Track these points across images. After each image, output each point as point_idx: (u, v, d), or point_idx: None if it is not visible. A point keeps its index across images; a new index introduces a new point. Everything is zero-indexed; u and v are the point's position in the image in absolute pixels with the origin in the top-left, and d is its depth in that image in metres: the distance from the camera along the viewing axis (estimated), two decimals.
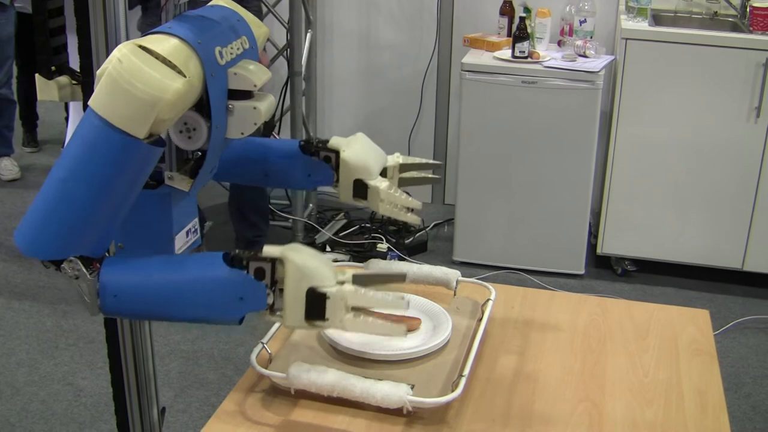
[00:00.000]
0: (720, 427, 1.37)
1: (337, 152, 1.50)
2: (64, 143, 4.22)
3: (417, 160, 1.61)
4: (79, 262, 1.18)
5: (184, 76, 1.14)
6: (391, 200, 1.51)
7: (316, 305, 1.17)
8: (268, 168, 1.54)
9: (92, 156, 1.15)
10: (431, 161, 1.63)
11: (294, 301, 1.17)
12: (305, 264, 1.17)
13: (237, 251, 1.18)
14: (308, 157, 1.52)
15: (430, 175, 1.64)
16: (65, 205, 1.16)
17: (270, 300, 1.18)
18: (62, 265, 1.18)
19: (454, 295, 1.69)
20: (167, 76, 1.12)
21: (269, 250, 1.18)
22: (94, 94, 1.13)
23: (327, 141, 1.52)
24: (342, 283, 1.18)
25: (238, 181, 1.59)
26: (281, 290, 1.18)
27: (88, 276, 1.18)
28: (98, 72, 1.13)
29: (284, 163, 1.54)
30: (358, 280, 1.18)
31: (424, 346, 1.47)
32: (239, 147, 1.52)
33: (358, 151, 1.51)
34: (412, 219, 1.54)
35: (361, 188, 1.51)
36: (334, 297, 1.16)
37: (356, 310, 1.18)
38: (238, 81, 1.26)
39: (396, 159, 1.59)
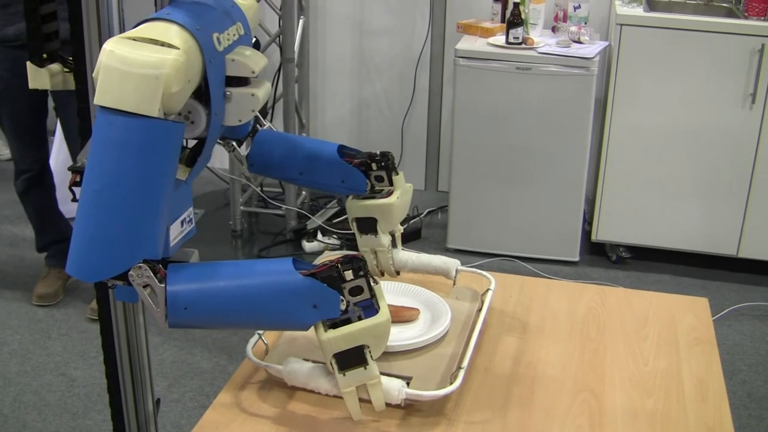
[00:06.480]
0: (720, 415, 1.36)
1: (390, 176, 1.54)
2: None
3: (398, 242, 1.67)
4: (148, 269, 1.14)
5: (177, 48, 1.12)
6: (379, 258, 1.61)
7: (351, 358, 1.22)
8: (304, 167, 1.54)
9: (114, 152, 1.12)
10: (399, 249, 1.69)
11: (349, 338, 1.21)
12: (386, 330, 1.22)
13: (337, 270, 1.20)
14: (344, 163, 1.53)
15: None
16: (108, 213, 1.12)
17: (342, 307, 1.20)
18: (129, 273, 1.14)
19: (454, 284, 1.68)
20: (160, 52, 1.11)
21: (380, 289, 1.23)
22: (96, 93, 1.11)
23: (394, 166, 1.55)
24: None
25: (272, 176, 1.58)
26: (348, 310, 1.21)
27: (159, 284, 1.15)
28: (93, 74, 1.12)
29: (320, 164, 1.54)
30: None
31: (423, 338, 1.46)
32: (279, 143, 1.53)
33: (403, 204, 1.57)
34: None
35: (367, 224, 1.58)
36: (369, 370, 1.23)
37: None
38: (236, 67, 1.24)
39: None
